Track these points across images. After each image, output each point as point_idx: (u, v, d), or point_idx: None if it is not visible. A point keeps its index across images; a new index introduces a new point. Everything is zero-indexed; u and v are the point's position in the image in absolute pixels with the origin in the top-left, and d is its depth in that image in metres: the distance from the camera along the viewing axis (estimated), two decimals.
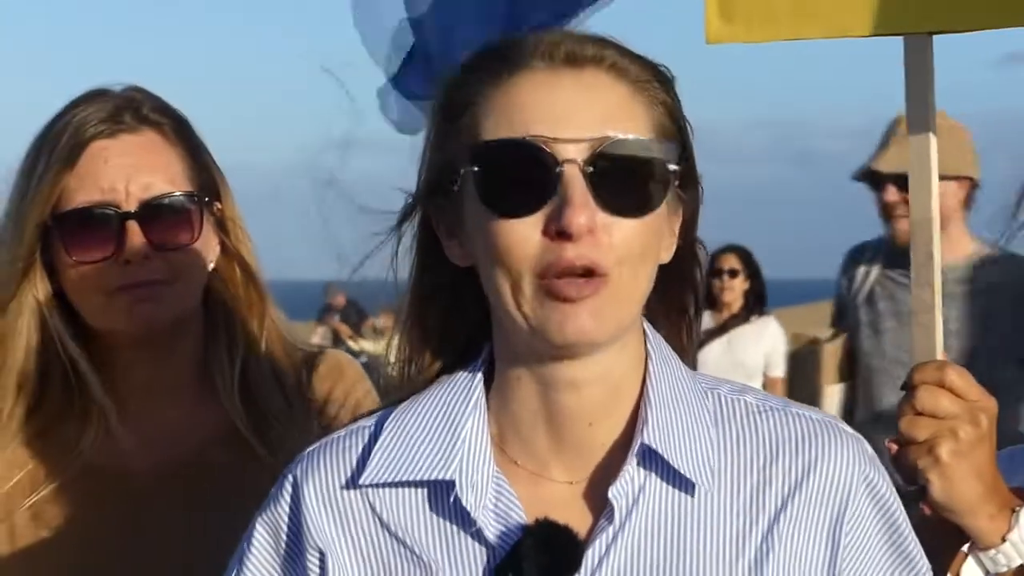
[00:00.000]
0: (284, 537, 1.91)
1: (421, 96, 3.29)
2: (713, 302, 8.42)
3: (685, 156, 1.90)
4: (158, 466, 2.62)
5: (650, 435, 1.85)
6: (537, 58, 1.84)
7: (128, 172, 2.56)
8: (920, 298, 2.39)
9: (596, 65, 1.85)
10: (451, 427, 1.88)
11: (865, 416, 5.78)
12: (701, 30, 2.67)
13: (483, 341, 1.92)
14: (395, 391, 1.97)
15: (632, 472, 1.85)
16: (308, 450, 1.96)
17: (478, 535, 1.85)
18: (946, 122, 5.45)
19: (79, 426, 2.62)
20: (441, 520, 1.87)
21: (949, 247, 5.23)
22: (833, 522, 1.87)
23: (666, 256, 1.92)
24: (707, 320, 8.12)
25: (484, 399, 1.90)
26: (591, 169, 1.79)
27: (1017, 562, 2.06)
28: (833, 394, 6.36)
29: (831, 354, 6.57)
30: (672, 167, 1.84)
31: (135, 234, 2.54)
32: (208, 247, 2.65)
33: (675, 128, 1.89)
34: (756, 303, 8.70)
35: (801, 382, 6.55)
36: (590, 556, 1.83)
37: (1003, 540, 2.06)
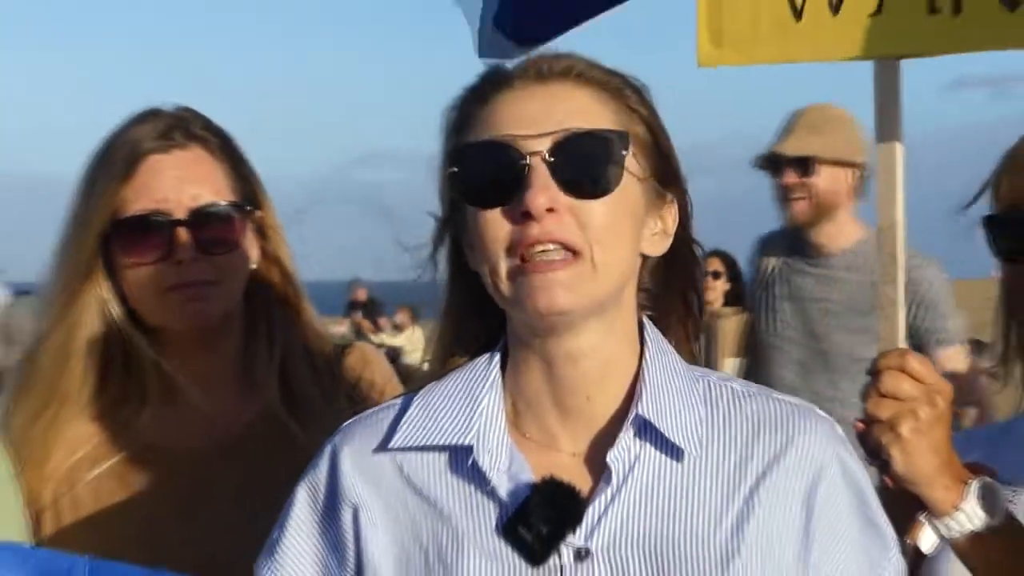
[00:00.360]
0: (322, 497, 1.96)
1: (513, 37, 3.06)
2: None
3: (660, 154, 1.96)
4: (207, 444, 2.64)
5: (644, 408, 1.90)
6: (515, 78, 1.93)
7: (178, 184, 2.61)
8: (885, 294, 2.40)
9: (563, 77, 1.92)
10: (471, 402, 1.94)
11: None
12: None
13: (501, 334, 1.98)
14: (425, 379, 2.01)
15: (628, 441, 1.89)
16: (344, 424, 2.01)
17: (492, 494, 1.89)
18: (836, 112, 5.43)
19: (137, 408, 2.66)
20: (460, 480, 1.92)
21: (838, 233, 5.32)
22: (807, 492, 1.90)
23: (653, 249, 1.97)
24: None
25: (500, 379, 1.96)
26: (552, 159, 1.86)
27: (968, 528, 2.09)
28: (729, 366, 6.44)
29: (729, 331, 6.64)
30: (624, 152, 1.89)
31: (184, 239, 2.59)
32: (249, 251, 2.69)
33: (644, 127, 1.95)
34: (734, 301, 8.64)
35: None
36: (591, 513, 1.87)
37: (956, 509, 2.09)
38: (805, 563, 1.89)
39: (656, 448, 1.90)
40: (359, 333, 17.72)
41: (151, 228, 2.60)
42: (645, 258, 1.99)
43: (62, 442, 2.64)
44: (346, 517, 1.94)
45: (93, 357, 2.64)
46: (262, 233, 2.72)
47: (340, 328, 17.54)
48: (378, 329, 19.40)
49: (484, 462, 1.90)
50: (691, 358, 2.03)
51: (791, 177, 5.33)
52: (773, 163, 5.46)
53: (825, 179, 5.33)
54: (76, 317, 2.62)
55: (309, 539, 1.96)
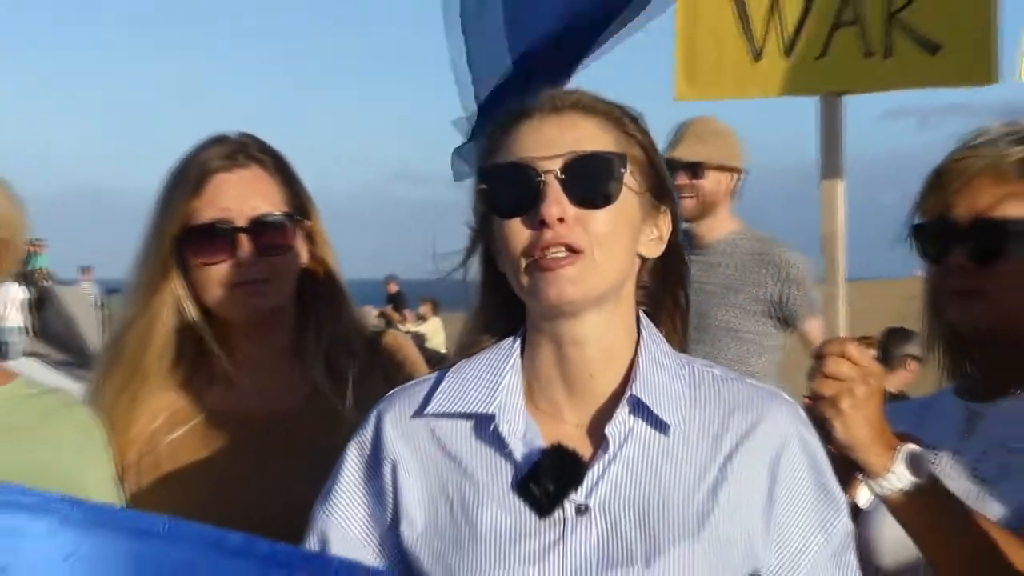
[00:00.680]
0: (368, 452, 2.04)
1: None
2: None
3: (654, 172, 2.05)
4: (265, 415, 2.74)
5: (638, 388, 1.97)
6: (535, 110, 2.02)
7: (240, 197, 2.72)
8: (829, 292, 2.53)
9: (573, 108, 2.02)
10: (494, 378, 2.02)
11: None
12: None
13: (522, 323, 2.06)
14: (458, 357, 2.09)
15: (624, 417, 1.96)
16: (388, 394, 2.09)
17: (509, 456, 1.97)
18: (717, 126, 5.65)
19: (207, 383, 2.77)
20: (482, 444, 2.00)
21: (717, 226, 5.51)
22: (772, 462, 1.98)
23: (649, 251, 2.05)
24: None
25: (520, 360, 2.04)
26: (563, 176, 1.95)
27: (898, 487, 2.18)
28: None
29: None
30: (623, 170, 1.98)
31: (245, 243, 2.71)
32: (300, 254, 2.78)
33: (640, 149, 2.03)
34: None
35: None
36: (590, 475, 1.95)
37: (887, 471, 2.18)
38: (768, 521, 1.97)
39: (647, 423, 1.98)
40: (388, 322, 18.07)
41: (217, 234, 2.71)
42: (644, 260, 2.07)
43: (144, 411, 2.73)
44: (387, 470, 2.02)
45: (169, 341, 2.74)
46: (310, 239, 2.82)
47: (373, 318, 18.00)
48: (404, 319, 20.13)
49: (504, 429, 1.98)
50: (679, 347, 2.10)
51: (682, 179, 5.55)
52: (668, 166, 5.77)
53: (710, 181, 5.59)
54: (155, 309, 2.72)
55: (357, 488, 2.03)
